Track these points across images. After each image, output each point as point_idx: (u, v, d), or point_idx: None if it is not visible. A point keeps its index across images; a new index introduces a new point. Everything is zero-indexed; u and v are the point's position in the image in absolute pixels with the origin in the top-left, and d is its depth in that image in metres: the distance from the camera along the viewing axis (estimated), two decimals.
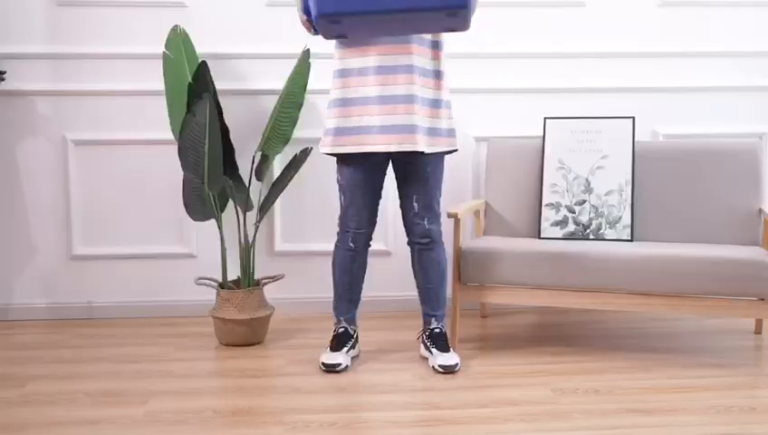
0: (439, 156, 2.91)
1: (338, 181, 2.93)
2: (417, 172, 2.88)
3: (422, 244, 2.96)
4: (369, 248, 3.04)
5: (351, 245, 2.95)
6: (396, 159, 2.91)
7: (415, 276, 3.03)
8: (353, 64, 2.80)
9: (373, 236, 3.04)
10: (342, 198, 2.93)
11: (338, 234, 2.99)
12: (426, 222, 2.92)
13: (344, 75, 2.82)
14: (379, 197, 2.96)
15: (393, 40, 2.74)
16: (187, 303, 3.71)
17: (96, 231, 3.65)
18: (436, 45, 2.84)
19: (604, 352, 3.13)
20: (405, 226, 2.98)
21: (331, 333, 3.07)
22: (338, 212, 3.01)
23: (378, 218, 3.58)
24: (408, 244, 3.00)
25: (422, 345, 3.05)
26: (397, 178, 2.95)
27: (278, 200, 3.66)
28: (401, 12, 2.37)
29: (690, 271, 2.93)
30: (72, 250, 3.63)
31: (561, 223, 3.35)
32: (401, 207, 2.96)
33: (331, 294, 3.65)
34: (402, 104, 2.75)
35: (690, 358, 3.06)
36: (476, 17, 3.67)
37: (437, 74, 2.85)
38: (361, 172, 2.88)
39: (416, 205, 2.91)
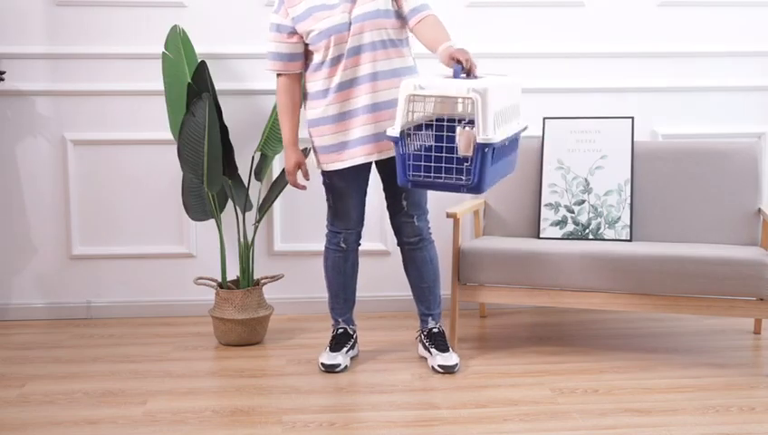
0: None
1: (324, 183, 2.93)
2: None
3: (412, 243, 2.95)
4: (367, 248, 3.04)
5: (343, 245, 2.96)
6: (379, 163, 2.90)
7: (408, 277, 3.02)
8: (319, 87, 2.80)
9: (363, 234, 3.03)
10: (330, 199, 2.93)
11: (327, 235, 3.00)
12: (415, 220, 2.92)
13: (320, 96, 2.80)
14: (365, 194, 2.96)
15: (354, 53, 2.74)
16: (185, 302, 3.70)
17: (95, 231, 3.65)
18: (399, 44, 2.79)
19: (603, 352, 3.13)
20: (394, 227, 2.97)
21: (330, 334, 3.07)
22: None
23: (371, 217, 3.58)
24: (399, 245, 2.99)
25: (420, 345, 3.05)
26: (382, 180, 2.93)
27: (277, 200, 3.66)
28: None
29: (689, 271, 2.93)
30: (72, 250, 3.63)
31: (561, 223, 3.35)
32: (388, 208, 2.95)
33: None
34: (371, 113, 2.76)
35: (689, 358, 3.06)
36: (475, 17, 3.67)
37: (395, 72, 2.78)
38: (347, 175, 2.87)
39: (404, 203, 2.89)
